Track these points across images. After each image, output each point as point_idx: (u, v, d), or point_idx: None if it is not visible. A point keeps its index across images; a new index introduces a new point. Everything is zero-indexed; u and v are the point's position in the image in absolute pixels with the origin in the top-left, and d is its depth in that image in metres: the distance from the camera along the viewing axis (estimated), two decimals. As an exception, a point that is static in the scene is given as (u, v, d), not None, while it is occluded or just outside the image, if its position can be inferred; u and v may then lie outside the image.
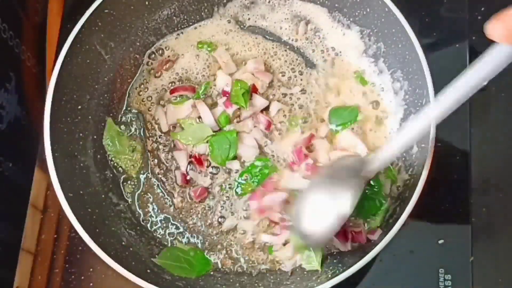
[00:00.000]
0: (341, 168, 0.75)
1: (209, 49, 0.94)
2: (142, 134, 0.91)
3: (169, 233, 0.86)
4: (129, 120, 0.92)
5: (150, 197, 0.88)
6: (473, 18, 0.97)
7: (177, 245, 0.85)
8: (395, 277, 0.86)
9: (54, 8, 1.03)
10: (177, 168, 0.89)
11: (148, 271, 0.78)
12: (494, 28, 0.54)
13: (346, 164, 0.76)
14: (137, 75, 0.93)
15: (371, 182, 0.82)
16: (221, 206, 0.87)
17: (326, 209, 0.71)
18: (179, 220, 0.87)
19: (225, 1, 0.95)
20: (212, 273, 0.84)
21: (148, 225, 0.87)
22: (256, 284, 0.82)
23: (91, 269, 0.88)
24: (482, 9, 0.98)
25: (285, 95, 0.91)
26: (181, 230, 0.86)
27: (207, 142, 0.87)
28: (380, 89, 0.90)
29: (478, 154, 0.91)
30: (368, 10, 0.86)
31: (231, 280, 0.83)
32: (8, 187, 0.89)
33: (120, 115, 0.92)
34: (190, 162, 0.88)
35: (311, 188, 0.75)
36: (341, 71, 0.92)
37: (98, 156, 0.88)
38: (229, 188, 0.87)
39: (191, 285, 0.81)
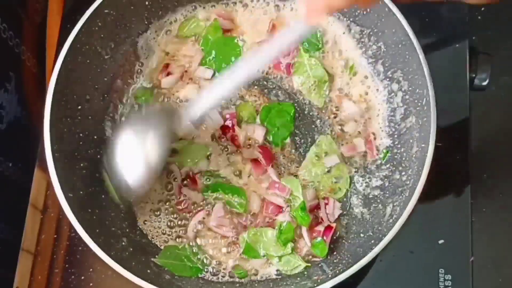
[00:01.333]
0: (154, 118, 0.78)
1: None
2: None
3: (169, 234, 0.87)
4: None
5: (150, 198, 0.88)
6: (473, 18, 0.97)
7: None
8: (395, 277, 0.86)
9: (54, 8, 1.03)
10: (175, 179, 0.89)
11: (148, 271, 0.78)
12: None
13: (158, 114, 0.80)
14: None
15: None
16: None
17: (138, 159, 0.74)
18: (178, 221, 0.87)
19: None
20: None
21: (148, 226, 0.87)
22: (256, 285, 0.82)
23: (91, 269, 0.88)
24: (482, 9, 0.98)
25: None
26: (180, 231, 0.87)
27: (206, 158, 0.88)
28: (376, 89, 0.90)
29: (478, 154, 0.91)
30: (368, 10, 0.86)
31: (231, 281, 0.83)
32: (8, 187, 0.90)
33: (120, 115, 0.92)
34: (183, 179, 0.88)
35: (123, 137, 0.76)
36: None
37: (98, 156, 0.88)
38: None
39: (191, 285, 0.81)
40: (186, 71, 0.94)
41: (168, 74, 0.93)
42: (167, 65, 0.94)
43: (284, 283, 0.81)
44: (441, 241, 0.87)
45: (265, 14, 0.95)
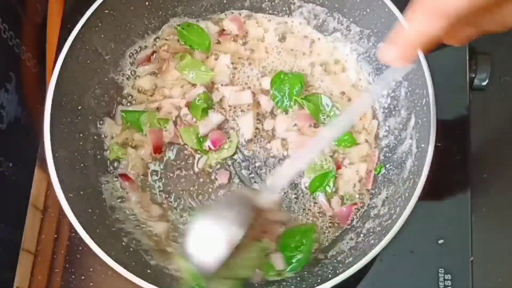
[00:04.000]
0: (234, 199, 0.75)
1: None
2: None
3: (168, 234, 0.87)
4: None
5: (150, 198, 0.88)
6: (473, 18, 0.97)
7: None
8: (395, 277, 0.86)
9: (54, 8, 1.03)
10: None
11: (148, 271, 0.78)
12: (386, 52, 0.57)
13: (239, 195, 0.76)
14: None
15: None
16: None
17: (217, 237, 0.68)
18: (178, 221, 0.87)
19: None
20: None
21: (148, 226, 0.87)
22: (256, 285, 0.82)
23: (91, 269, 0.88)
24: (482, 9, 0.97)
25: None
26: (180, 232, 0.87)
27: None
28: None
29: (478, 154, 0.91)
30: (368, 10, 0.86)
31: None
32: (8, 187, 0.89)
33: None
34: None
35: (204, 218, 0.71)
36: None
37: (98, 156, 0.88)
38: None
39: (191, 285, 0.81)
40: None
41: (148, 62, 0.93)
42: (150, 57, 0.93)
43: (284, 283, 0.81)
44: (441, 241, 0.87)
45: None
